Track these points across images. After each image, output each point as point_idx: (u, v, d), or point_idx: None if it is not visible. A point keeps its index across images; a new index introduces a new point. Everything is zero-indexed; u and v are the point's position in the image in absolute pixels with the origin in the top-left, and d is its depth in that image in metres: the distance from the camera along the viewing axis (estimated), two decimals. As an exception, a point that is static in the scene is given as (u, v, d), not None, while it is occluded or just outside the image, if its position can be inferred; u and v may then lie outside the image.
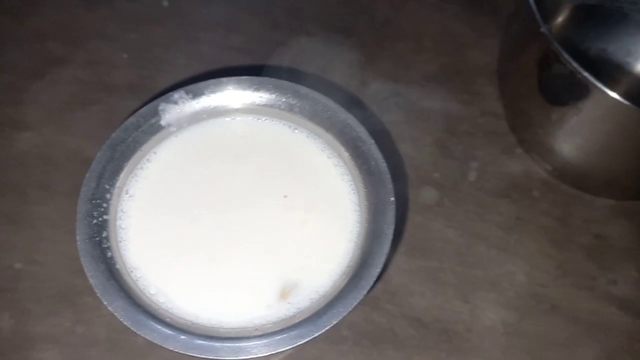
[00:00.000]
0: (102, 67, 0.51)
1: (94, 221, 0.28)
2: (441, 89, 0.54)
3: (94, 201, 0.28)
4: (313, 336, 0.24)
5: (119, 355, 0.39)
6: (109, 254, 0.27)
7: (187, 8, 0.56)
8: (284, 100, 0.32)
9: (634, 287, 0.44)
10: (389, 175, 0.28)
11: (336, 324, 0.24)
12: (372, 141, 0.29)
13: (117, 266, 0.26)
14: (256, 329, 0.26)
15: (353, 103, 0.51)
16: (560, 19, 0.54)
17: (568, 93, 0.41)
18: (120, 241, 0.28)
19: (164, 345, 0.24)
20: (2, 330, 0.40)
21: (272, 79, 0.32)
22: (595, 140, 0.42)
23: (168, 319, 0.25)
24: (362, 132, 0.30)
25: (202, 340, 0.24)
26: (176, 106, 0.31)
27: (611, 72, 0.56)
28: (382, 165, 0.29)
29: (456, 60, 0.55)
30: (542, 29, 0.40)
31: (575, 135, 0.44)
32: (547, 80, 0.43)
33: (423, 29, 0.57)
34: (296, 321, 0.25)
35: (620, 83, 0.55)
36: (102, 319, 0.40)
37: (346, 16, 0.57)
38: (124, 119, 0.31)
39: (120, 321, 0.37)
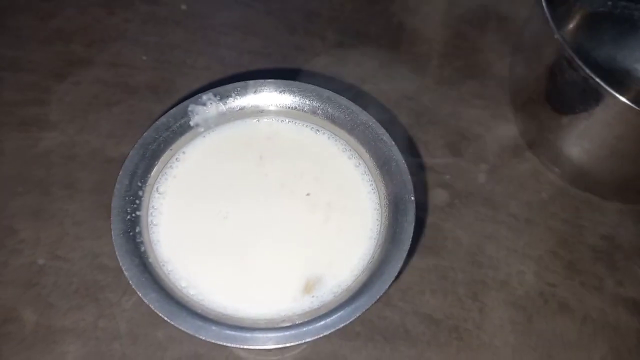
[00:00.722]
0: (123, 69, 0.52)
1: (128, 217, 0.29)
2: (453, 93, 0.55)
3: (127, 198, 0.29)
4: (337, 327, 0.25)
5: (140, 348, 0.40)
6: (142, 249, 0.28)
7: (205, 11, 0.57)
8: (308, 102, 0.33)
9: (641, 289, 0.45)
10: (409, 176, 0.29)
11: (354, 319, 0.25)
12: (393, 143, 0.31)
13: (150, 260, 0.28)
14: (283, 320, 0.27)
15: (367, 107, 0.52)
16: (572, 26, 0.56)
17: (579, 98, 0.42)
18: (152, 236, 0.29)
19: (196, 335, 0.25)
20: (26, 324, 0.41)
21: (296, 82, 0.33)
22: (604, 145, 0.43)
23: (199, 310, 0.26)
24: (383, 134, 0.31)
25: (232, 330, 0.25)
26: (204, 107, 0.33)
27: (621, 78, 0.57)
28: (403, 165, 0.30)
29: (468, 64, 0.56)
30: (556, 35, 0.41)
31: (585, 140, 0.45)
32: (559, 85, 0.44)
33: (437, 33, 0.58)
34: (321, 313, 0.26)
35: (629, 89, 0.56)
36: (123, 314, 0.42)
37: (362, 21, 0.58)
38: (153, 120, 0.32)
39: (141, 315, 0.38)
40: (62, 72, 0.51)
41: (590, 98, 0.41)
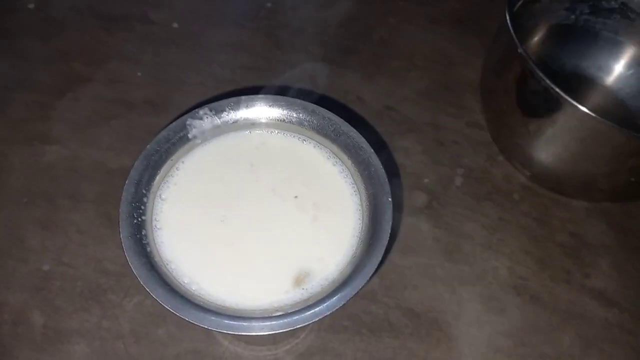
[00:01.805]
0: (121, 85, 0.55)
1: (134, 221, 0.32)
2: (431, 103, 0.58)
3: (133, 204, 0.32)
4: (325, 315, 0.28)
5: (142, 346, 0.43)
6: (148, 249, 0.31)
7: (197, 29, 0.60)
8: (295, 115, 0.36)
9: (606, 280, 0.49)
10: (386, 179, 0.33)
11: (339, 311, 0.28)
12: (372, 150, 0.34)
13: (156, 259, 0.31)
14: (276, 310, 0.30)
15: (351, 117, 0.56)
16: (537, 38, 0.60)
17: (544, 107, 0.46)
18: (157, 238, 0.33)
19: (199, 324, 0.28)
20: (34, 326, 0.43)
21: (284, 97, 0.36)
22: (569, 149, 0.47)
23: (201, 303, 0.29)
24: (362, 142, 0.35)
25: (231, 320, 0.28)
26: (201, 121, 0.36)
27: (584, 86, 0.61)
28: (381, 170, 0.33)
29: (445, 77, 0.60)
30: (520, 50, 0.44)
31: (551, 144, 0.48)
32: (525, 95, 0.48)
33: (416, 48, 0.62)
34: (310, 303, 0.29)
35: (592, 96, 0.60)
36: (125, 315, 0.44)
37: (345, 37, 0.62)
38: (154, 133, 0.35)
39: (142, 315, 0.41)
40: (63, 89, 0.54)
41: (553, 106, 0.45)
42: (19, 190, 0.49)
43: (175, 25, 0.61)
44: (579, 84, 0.61)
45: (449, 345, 0.45)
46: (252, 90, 0.49)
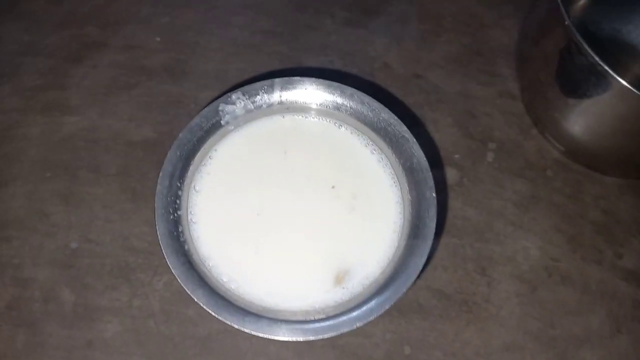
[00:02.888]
0: (138, 51, 0.52)
1: (171, 217, 0.31)
2: (461, 70, 0.56)
3: (168, 198, 0.31)
4: (370, 319, 0.28)
5: (173, 325, 0.43)
6: (186, 247, 0.30)
7: (215, -10, 0.57)
8: (332, 99, 0.34)
9: (638, 260, 0.48)
10: (430, 173, 0.31)
11: (384, 311, 0.27)
12: (414, 140, 0.32)
13: (194, 257, 0.30)
14: (318, 312, 0.29)
15: (378, 89, 0.53)
16: (580, 2, 0.56)
17: (585, 80, 0.43)
18: (193, 234, 0.32)
19: (242, 329, 0.27)
20: (65, 304, 0.44)
21: (321, 80, 0.34)
22: (608, 124, 0.45)
23: (242, 304, 0.29)
24: (404, 131, 0.33)
25: (276, 324, 0.28)
26: (234, 106, 0.34)
27: (623, 53, 0.58)
28: (424, 162, 0.32)
29: (476, 41, 0.57)
30: (567, 22, 0.41)
31: (589, 119, 0.46)
32: (567, 67, 0.45)
33: (445, 10, 0.58)
34: (352, 305, 0.28)
35: (632, 65, 0.57)
36: (155, 293, 0.44)
37: (371, -2, 0.58)
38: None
39: (171, 294, 0.41)
40: (79, 56, 0.52)
41: (597, 81, 0.42)
42: (40, 163, 0.48)
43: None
44: (618, 50, 0.58)
45: (479, 326, 0.45)
46: (275, 61, 0.46)
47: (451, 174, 0.50)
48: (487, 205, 0.49)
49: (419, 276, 0.28)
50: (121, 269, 0.45)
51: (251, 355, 0.42)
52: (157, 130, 0.49)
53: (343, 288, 0.31)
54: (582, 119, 0.47)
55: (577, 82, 0.45)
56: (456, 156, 0.51)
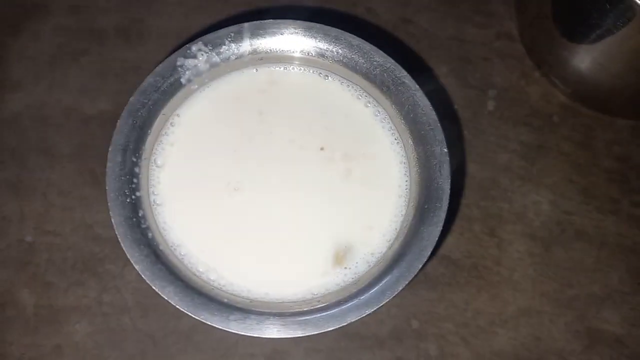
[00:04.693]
0: (86, 12, 0.46)
1: (127, 200, 0.25)
2: (454, 12, 0.51)
3: (123, 177, 0.26)
4: (381, 304, 0.23)
5: (152, 320, 0.39)
6: (150, 235, 0.25)
7: None
8: (313, 45, 0.29)
9: (656, 207, 0.44)
10: (438, 124, 0.26)
11: (397, 293, 0.22)
12: (417, 87, 0.27)
13: (161, 247, 0.25)
14: (318, 300, 0.25)
15: (361, 35, 0.48)
16: None
17: (600, 9, 0.39)
18: (158, 218, 0.26)
19: (227, 330, 0.22)
20: (25, 308, 0.39)
21: (298, 22, 0.28)
22: (622, 59, 0.41)
23: (225, 299, 0.24)
24: (404, 76, 0.28)
25: (268, 319, 0.23)
26: (195, 60, 0.28)
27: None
28: (430, 112, 0.27)
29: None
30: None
31: (601, 55, 0.42)
32: (577, -4, 0.40)
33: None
34: (358, 288, 0.24)
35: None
36: (128, 286, 0.40)
37: None
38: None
39: (147, 285, 0.36)
40: (17, 24, 0.45)
41: (614, 9, 0.38)
42: (-18, 150, 0.42)
43: None
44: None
45: (491, 293, 0.41)
46: (249, 14, 0.41)
47: (450, 128, 0.45)
48: (492, 159, 0.45)
49: (435, 249, 0.24)
50: (86, 261, 0.40)
51: (243, 346, 0.38)
52: (114, 102, 0.44)
53: (345, 268, 0.26)
54: (592, 56, 0.43)
55: (589, 12, 0.41)
56: (454, 107, 0.46)
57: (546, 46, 0.47)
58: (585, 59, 0.43)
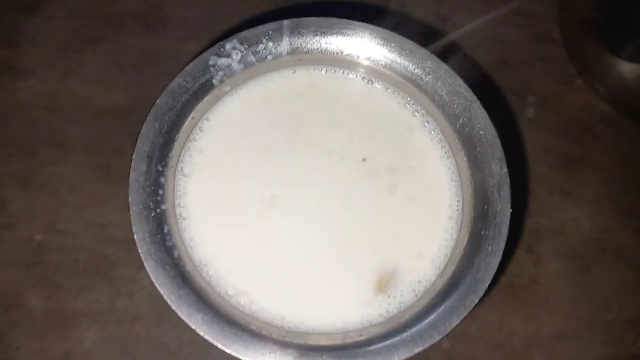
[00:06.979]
0: (103, -3, 0.43)
1: (152, 214, 0.23)
2: (491, 10, 0.48)
3: (147, 188, 0.23)
4: (434, 342, 0.20)
5: (167, 329, 0.37)
6: (176, 254, 0.22)
7: None
8: (358, 46, 0.26)
9: (700, 229, 0.42)
10: (498, 140, 0.24)
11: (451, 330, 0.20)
12: (475, 97, 0.24)
13: (188, 268, 0.22)
14: (359, 333, 0.22)
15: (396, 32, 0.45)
16: None
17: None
18: (184, 234, 0.24)
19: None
20: (33, 311, 0.37)
21: (341, 20, 0.26)
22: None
23: (255, 327, 0.21)
24: (460, 85, 0.25)
25: (306, 354, 0.20)
26: (229, 59, 0.25)
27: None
28: (489, 127, 0.24)
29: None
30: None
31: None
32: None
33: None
34: (404, 320, 0.21)
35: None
36: (142, 291, 0.38)
37: None
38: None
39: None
40: (31, 5, 0.43)
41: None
42: (-9, 140, 0.40)
43: None
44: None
45: (526, 314, 0.39)
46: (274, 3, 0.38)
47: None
48: (530, 170, 0.43)
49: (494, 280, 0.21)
50: (98, 264, 0.38)
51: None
52: (130, 95, 0.41)
53: (389, 296, 0.24)
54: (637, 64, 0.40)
55: (634, 15, 0.38)
56: (493, 114, 0.43)
57: (589, 52, 0.45)
58: (633, 70, 0.41)
